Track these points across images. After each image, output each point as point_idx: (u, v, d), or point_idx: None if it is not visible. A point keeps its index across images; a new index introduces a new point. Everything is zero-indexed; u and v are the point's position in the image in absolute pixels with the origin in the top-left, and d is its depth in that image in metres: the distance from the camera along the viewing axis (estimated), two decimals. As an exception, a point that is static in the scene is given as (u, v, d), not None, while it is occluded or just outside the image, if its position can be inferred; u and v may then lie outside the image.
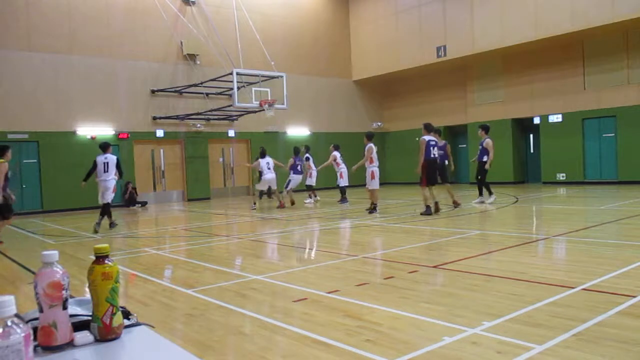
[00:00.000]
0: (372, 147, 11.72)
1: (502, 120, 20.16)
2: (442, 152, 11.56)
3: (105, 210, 10.87)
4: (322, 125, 23.00)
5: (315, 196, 16.00)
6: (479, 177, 12.79)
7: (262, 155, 14.62)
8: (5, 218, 9.27)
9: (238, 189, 21.17)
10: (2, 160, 9.00)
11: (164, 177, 19.30)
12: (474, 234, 7.91)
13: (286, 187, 14.73)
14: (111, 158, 11.08)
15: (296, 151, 15.18)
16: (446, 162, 12.14)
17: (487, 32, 18.56)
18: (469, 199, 14.54)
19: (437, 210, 10.64)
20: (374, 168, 11.72)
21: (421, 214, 10.67)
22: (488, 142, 12.63)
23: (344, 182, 14.98)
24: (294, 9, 22.21)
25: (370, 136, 12.09)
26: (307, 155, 15.89)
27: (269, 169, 14.32)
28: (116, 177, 11.10)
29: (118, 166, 11.08)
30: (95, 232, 10.36)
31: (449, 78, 21.90)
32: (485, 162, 12.54)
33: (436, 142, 10.90)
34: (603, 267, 5.07)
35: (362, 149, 24.38)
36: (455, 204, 11.60)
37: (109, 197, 10.91)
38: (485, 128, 12.98)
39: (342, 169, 15.01)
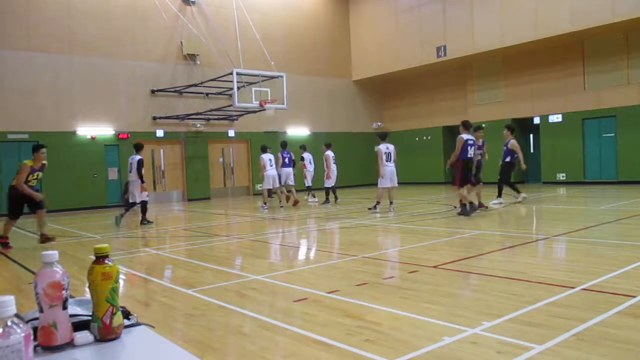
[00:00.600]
0: (379, 148, 11.93)
1: (502, 120, 20.10)
2: (480, 151, 11.08)
3: (142, 208, 11.54)
4: (322, 125, 23.00)
5: (314, 196, 15.96)
6: (500, 178, 12.50)
7: (264, 151, 14.56)
8: (12, 218, 8.63)
9: (238, 189, 21.17)
10: (26, 161, 8.39)
11: (164, 177, 19.31)
12: (474, 234, 7.91)
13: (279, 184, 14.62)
14: (134, 158, 11.48)
15: (282, 145, 15.12)
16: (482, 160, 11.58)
17: (487, 32, 18.56)
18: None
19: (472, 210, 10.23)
20: (381, 168, 11.84)
21: (458, 214, 10.25)
22: (514, 143, 12.32)
23: (328, 182, 14.77)
24: (294, 9, 22.21)
25: (381, 136, 12.28)
26: (303, 155, 15.70)
27: (271, 165, 14.26)
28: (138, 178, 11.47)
29: (138, 167, 11.36)
30: (148, 223, 11.33)
31: (449, 78, 21.90)
32: (509, 162, 12.28)
33: (474, 141, 10.45)
34: (603, 267, 5.07)
35: (362, 149, 24.36)
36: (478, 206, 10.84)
37: (137, 196, 11.37)
38: (511, 128, 12.66)
39: (333, 169, 14.78)
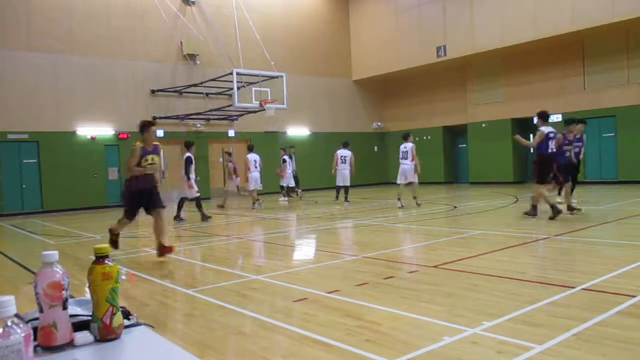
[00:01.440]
0: (400, 148, 12.73)
1: (502, 120, 20.15)
2: (579, 144, 10.21)
3: (180, 204, 11.85)
4: (322, 125, 23.00)
5: (285, 196, 16.35)
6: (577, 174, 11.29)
7: (250, 150, 14.50)
8: (128, 219, 7.06)
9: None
10: (137, 142, 6.83)
11: (164, 177, 19.30)
12: (474, 234, 7.91)
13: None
14: (185, 156, 11.81)
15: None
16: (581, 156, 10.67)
17: (487, 32, 18.56)
18: (470, 199, 14.58)
19: (561, 211, 9.16)
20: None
21: (524, 213, 9.52)
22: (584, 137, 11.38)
23: (339, 182, 14.72)
24: (294, 8, 22.21)
25: (402, 136, 12.89)
26: (285, 157, 16.06)
27: (256, 167, 14.16)
28: (185, 175, 11.75)
29: (185, 164, 11.66)
30: (206, 217, 11.76)
31: (449, 78, 21.90)
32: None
33: (555, 133, 9.43)
34: (603, 267, 5.07)
35: (362, 149, 24.41)
36: (570, 209, 9.63)
37: (187, 193, 11.71)
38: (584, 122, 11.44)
39: (339, 168, 14.70)
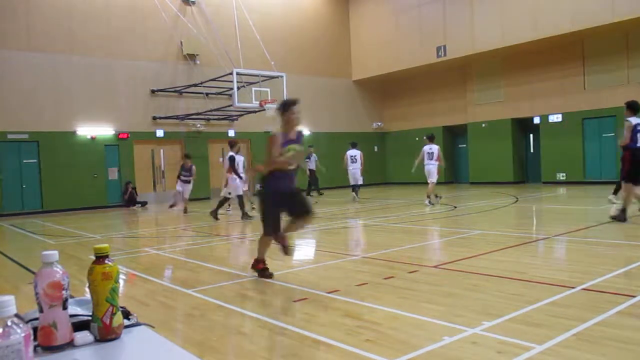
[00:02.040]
0: (423, 149, 12.97)
1: (502, 120, 20.14)
2: None
3: (238, 203, 12.02)
4: (322, 125, 22.99)
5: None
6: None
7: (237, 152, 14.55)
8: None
9: (238, 189, 21.17)
10: (275, 129, 5.27)
11: (164, 177, 19.31)
12: (474, 234, 7.91)
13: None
14: (229, 155, 12.26)
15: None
16: None
17: (487, 32, 18.56)
18: (470, 199, 14.56)
19: None
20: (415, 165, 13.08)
21: (611, 217, 8.38)
22: None
23: (352, 182, 15.18)
24: (294, 8, 22.22)
25: (428, 138, 13.11)
26: None
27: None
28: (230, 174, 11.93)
29: (230, 164, 12.02)
30: (248, 217, 11.82)
31: (449, 78, 21.90)
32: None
33: None
34: (603, 267, 5.07)
35: (362, 149, 24.51)
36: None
37: (232, 190, 11.92)
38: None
39: (350, 168, 15.13)
